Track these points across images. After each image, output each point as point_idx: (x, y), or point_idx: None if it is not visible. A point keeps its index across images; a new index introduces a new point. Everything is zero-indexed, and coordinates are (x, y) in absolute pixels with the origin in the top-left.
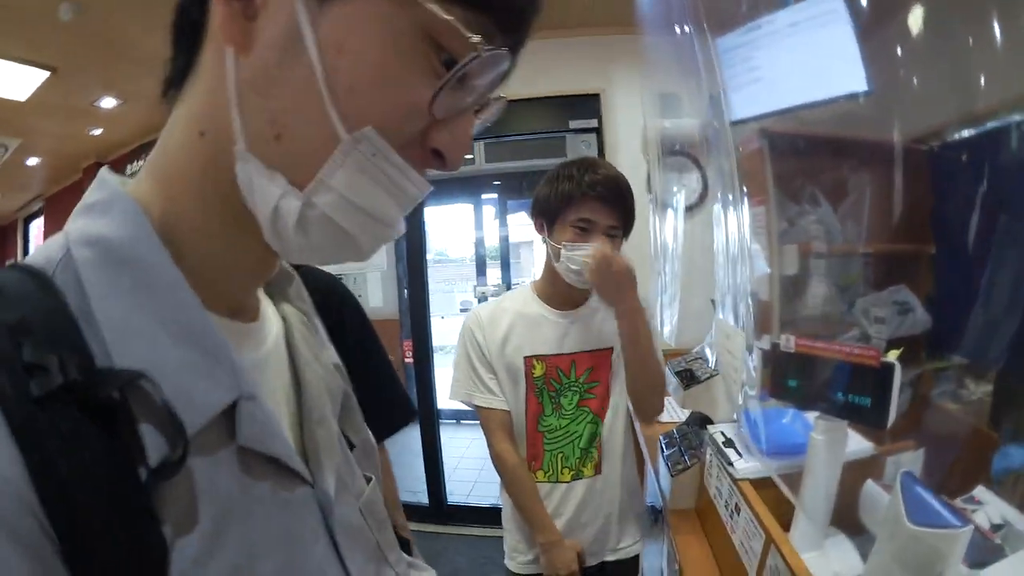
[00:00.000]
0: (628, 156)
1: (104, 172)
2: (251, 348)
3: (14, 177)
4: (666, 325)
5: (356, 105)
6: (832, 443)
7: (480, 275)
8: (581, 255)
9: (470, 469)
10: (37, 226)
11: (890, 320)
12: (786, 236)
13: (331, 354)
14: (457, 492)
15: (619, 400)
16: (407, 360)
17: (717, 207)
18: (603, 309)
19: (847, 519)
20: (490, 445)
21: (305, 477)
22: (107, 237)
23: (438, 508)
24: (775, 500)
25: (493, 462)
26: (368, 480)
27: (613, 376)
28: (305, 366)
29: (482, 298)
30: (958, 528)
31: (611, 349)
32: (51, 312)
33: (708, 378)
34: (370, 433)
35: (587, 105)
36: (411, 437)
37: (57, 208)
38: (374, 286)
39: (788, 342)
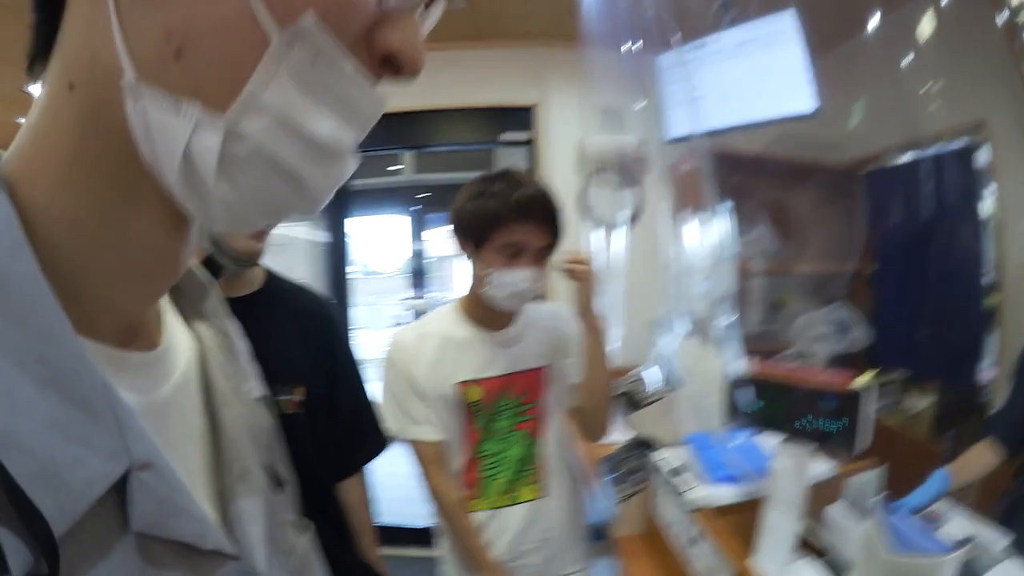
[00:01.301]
0: (562, 171)
1: None
2: (150, 387)
3: None
4: (611, 343)
5: None
6: (797, 469)
7: (411, 288)
8: (511, 282)
9: (401, 487)
10: None
11: (829, 338)
12: (724, 254)
13: (254, 386)
14: (388, 512)
15: (554, 411)
16: None
17: (656, 225)
18: (533, 327)
19: (808, 541)
20: (425, 479)
21: (227, 552)
22: None
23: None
24: (732, 526)
25: (428, 497)
26: (302, 526)
27: (547, 395)
28: (222, 405)
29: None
30: (943, 555)
31: (543, 368)
32: None
33: (649, 403)
34: (291, 473)
35: (521, 117)
36: None
37: None
38: None
39: (751, 365)
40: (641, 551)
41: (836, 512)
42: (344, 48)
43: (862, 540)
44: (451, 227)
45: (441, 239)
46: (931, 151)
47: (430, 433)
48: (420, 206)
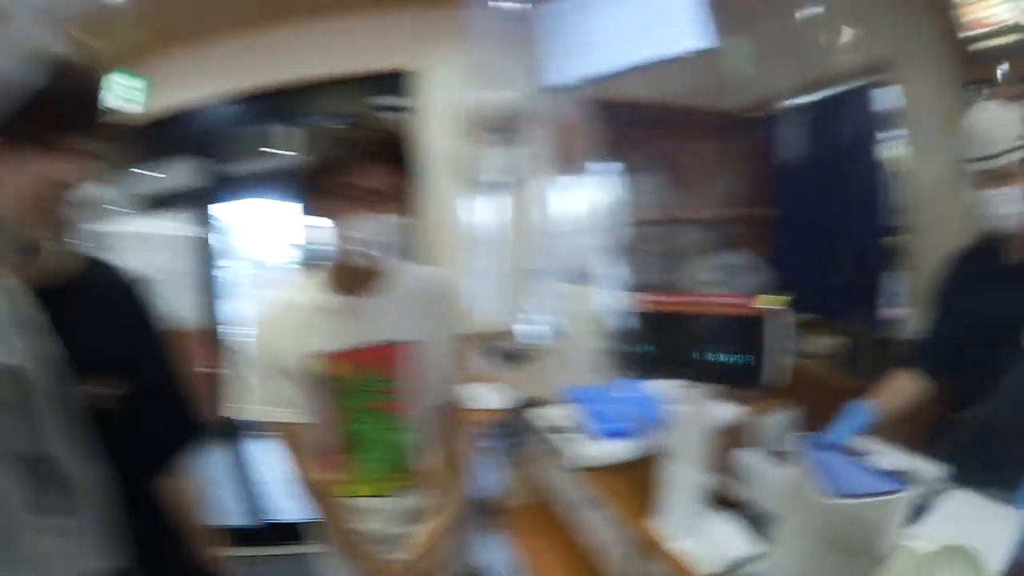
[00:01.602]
0: (443, 136)
1: None
2: None
3: None
4: (481, 306)
5: None
6: (697, 413)
7: (299, 276)
8: (357, 230)
9: (284, 483)
10: None
11: (721, 283)
12: (619, 205)
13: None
14: (280, 509)
15: (422, 397)
16: (216, 370)
17: (541, 181)
18: (402, 292)
19: (720, 494)
20: (293, 467)
21: None
22: None
23: (259, 529)
24: (627, 486)
25: (297, 484)
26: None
27: (413, 373)
28: None
29: None
30: (893, 492)
31: (410, 342)
32: None
33: (527, 357)
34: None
35: (397, 83)
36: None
37: None
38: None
39: (638, 301)
40: (532, 524)
41: (749, 459)
42: None
43: (788, 487)
44: (298, 187)
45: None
46: (832, 91)
47: (291, 414)
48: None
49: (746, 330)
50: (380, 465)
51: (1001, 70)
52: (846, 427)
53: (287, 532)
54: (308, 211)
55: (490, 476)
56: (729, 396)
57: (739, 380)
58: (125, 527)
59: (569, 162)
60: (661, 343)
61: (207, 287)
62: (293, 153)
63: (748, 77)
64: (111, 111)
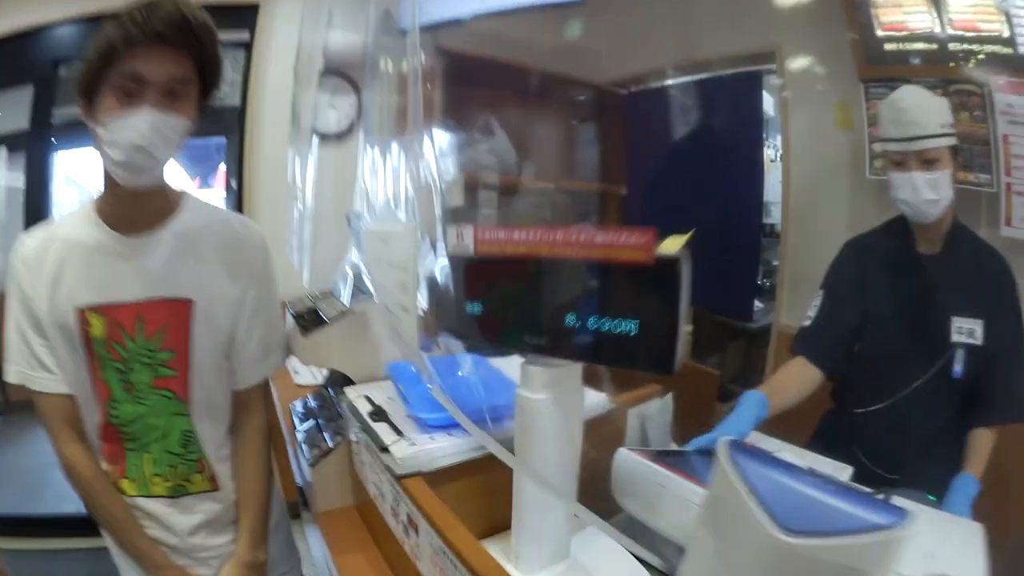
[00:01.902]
0: (282, 77)
1: None
2: None
3: None
4: (304, 268)
5: None
6: (564, 402)
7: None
8: (126, 132)
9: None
10: None
11: None
12: (453, 165)
13: None
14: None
15: (209, 374)
16: None
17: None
18: (192, 234)
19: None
20: (54, 447)
21: None
22: None
23: (28, 520)
24: (465, 499)
25: (62, 471)
26: None
27: (195, 342)
28: None
29: None
30: (889, 526)
31: (191, 302)
32: None
33: (339, 320)
34: None
35: (242, 16)
36: None
37: None
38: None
39: (464, 238)
40: (352, 533)
41: (633, 463)
42: None
43: (716, 511)
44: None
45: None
46: (711, 75)
47: (52, 383)
48: None
49: (638, 284)
50: (159, 458)
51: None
52: (743, 420)
53: (69, 523)
54: (83, 112)
55: (305, 472)
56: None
57: (624, 358)
58: None
59: (414, 116)
60: (497, 298)
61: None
62: None
63: (621, 50)
64: None
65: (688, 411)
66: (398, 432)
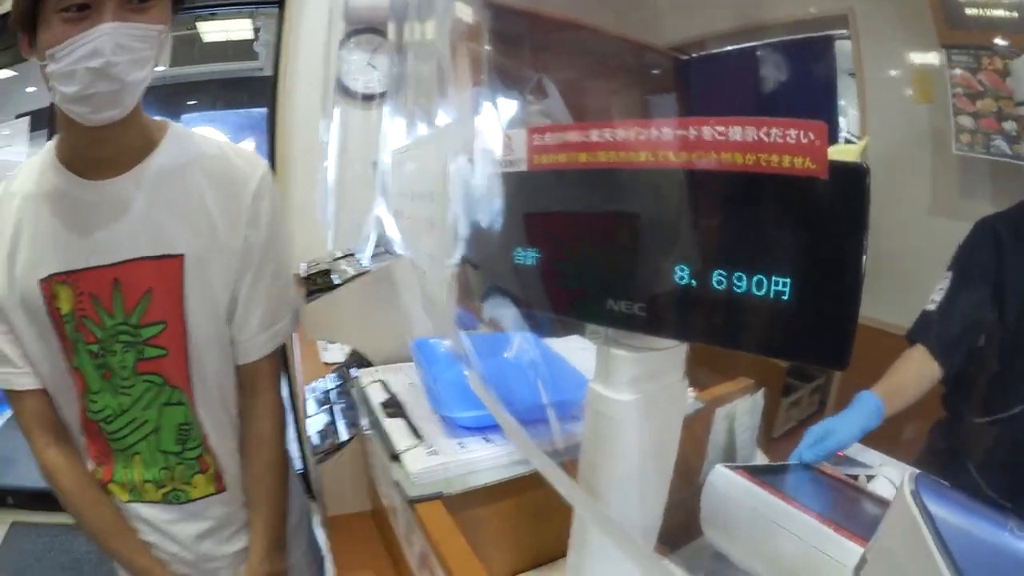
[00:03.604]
0: (316, 39)
1: None
2: None
3: None
4: (330, 230)
5: None
6: (659, 406)
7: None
8: (79, 56)
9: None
10: None
11: None
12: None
13: None
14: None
15: (207, 349)
16: None
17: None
18: (170, 177)
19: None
20: (32, 451)
21: None
22: None
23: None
24: (502, 526)
25: (40, 473)
26: None
27: (190, 308)
28: None
29: None
30: None
31: (181, 257)
32: None
33: (351, 280)
34: None
35: None
36: None
37: None
38: None
39: (514, 146)
40: (363, 545)
41: (723, 481)
42: None
43: (878, 562)
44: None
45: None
46: (775, 40)
47: (22, 377)
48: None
49: (799, 213)
50: (151, 459)
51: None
52: (852, 428)
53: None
54: (24, 50)
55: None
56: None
57: (767, 338)
58: None
59: (459, 75)
60: (582, 246)
61: None
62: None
63: (679, 10)
64: None
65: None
66: (416, 434)
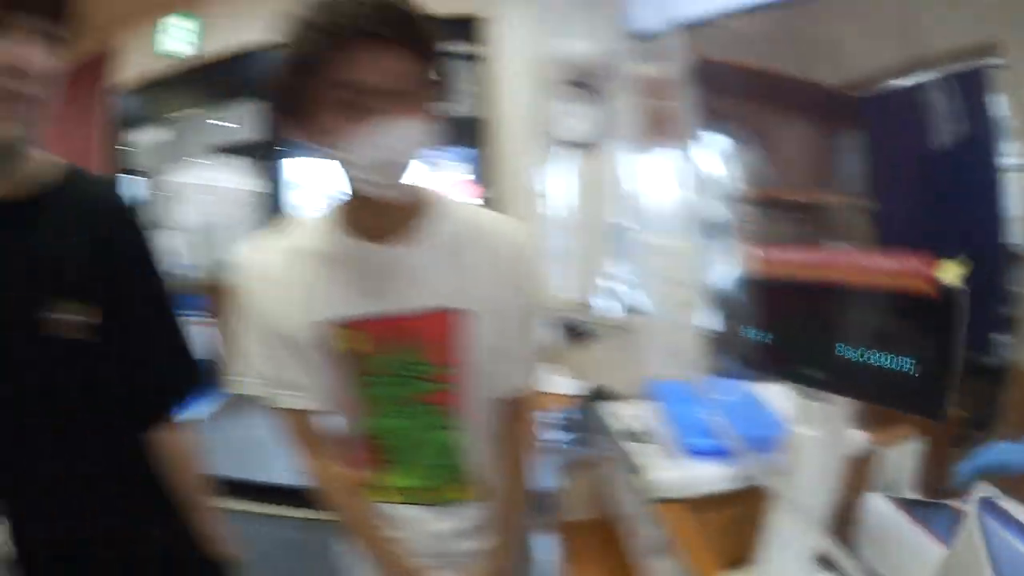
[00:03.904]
0: (519, 89)
1: None
2: None
3: None
4: (557, 277)
5: None
6: (830, 440)
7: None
8: (366, 148)
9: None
10: None
11: None
12: (709, 180)
13: None
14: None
15: (476, 384)
16: None
17: (620, 146)
18: (448, 238)
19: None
20: (299, 459)
21: None
22: None
23: (249, 485)
24: (715, 528)
25: (309, 482)
26: None
27: (466, 352)
28: None
29: None
30: None
31: (462, 310)
32: None
33: (602, 334)
34: None
35: (468, 29)
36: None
37: None
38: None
39: (750, 260)
40: (590, 545)
41: (881, 510)
42: None
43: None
44: (269, 114)
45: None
46: (940, 72)
47: (297, 399)
48: None
49: (919, 317)
50: (421, 470)
51: None
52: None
53: (285, 493)
54: (288, 135)
55: (548, 478)
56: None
57: (890, 394)
58: (101, 482)
59: (658, 126)
60: (781, 327)
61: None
62: None
63: (850, 50)
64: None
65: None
66: (658, 454)
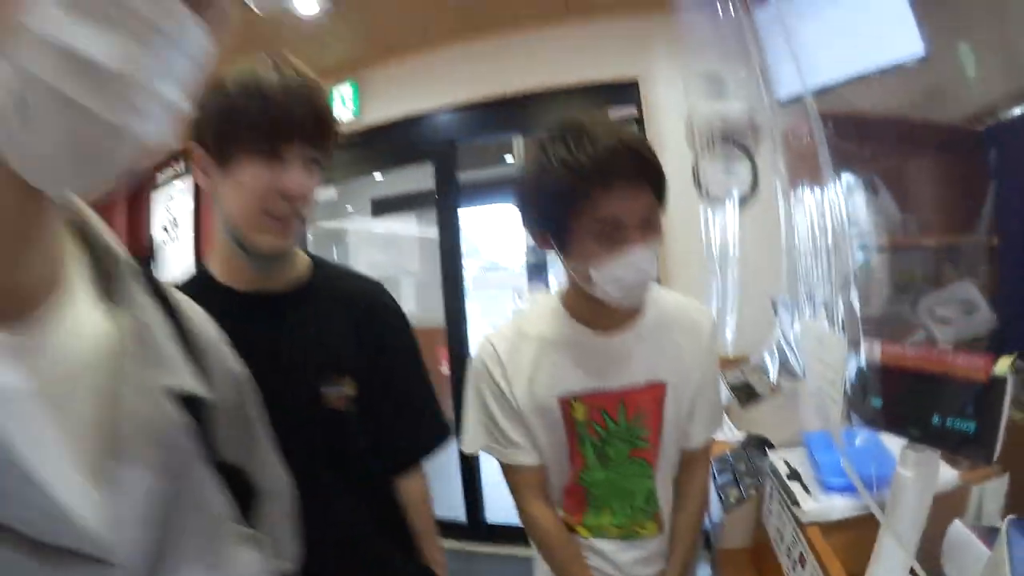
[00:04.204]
0: (674, 147)
1: None
2: (18, 365)
3: None
4: (725, 332)
5: None
6: (921, 479)
7: (531, 280)
8: (620, 272)
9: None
10: None
11: (956, 320)
12: (844, 229)
13: (174, 378)
14: (495, 509)
15: (671, 441)
16: (443, 370)
17: (776, 197)
18: (657, 327)
19: (925, 565)
20: (518, 506)
21: (85, 552)
22: None
23: (476, 526)
24: (848, 546)
25: (522, 523)
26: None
27: (666, 417)
28: (123, 394)
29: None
30: None
31: (666, 384)
32: None
33: (768, 395)
34: (286, 478)
35: (626, 93)
36: (449, 451)
37: None
38: (408, 291)
39: (873, 351)
40: (745, 569)
41: (959, 534)
42: None
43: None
44: (522, 216)
45: None
46: None
47: (524, 456)
48: None
49: (978, 397)
50: (622, 512)
51: None
52: None
53: (501, 532)
54: (542, 245)
55: (714, 511)
56: (953, 460)
57: (968, 450)
58: (356, 527)
59: (800, 180)
60: (893, 398)
61: (449, 289)
62: (519, 162)
63: (965, 86)
64: (337, 121)
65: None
66: (806, 490)
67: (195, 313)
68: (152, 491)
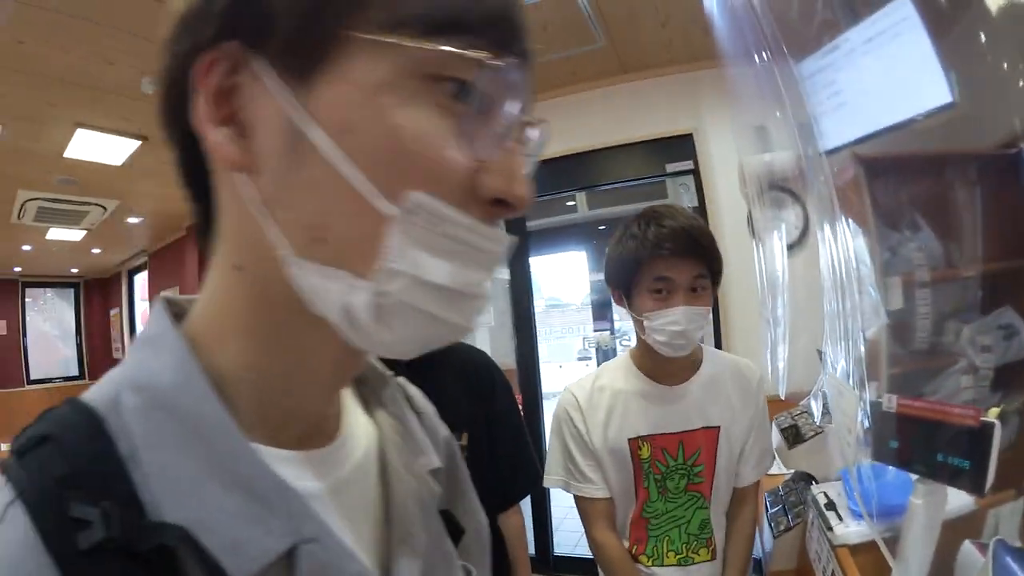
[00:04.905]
0: (727, 196)
1: (160, 302)
2: (324, 474)
3: (116, 234)
4: (775, 374)
5: (390, 180)
6: (930, 507)
7: (595, 320)
8: (666, 323)
9: (577, 519)
10: (141, 279)
11: (996, 346)
12: (889, 267)
13: (428, 460)
14: (564, 543)
15: (724, 478)
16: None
17: (819, 242)
18: (711, 382)
19: None
20: (588, 533)
21: None
22: (154, 383)
23: (545, 559)
24: (873, 567)
25: (591, 549)
26: (468, 573)
27: (719, 456)
28: (396, 481)
29: (598, 348)
30: None
31: (718, 428)
32: (101, 460)
33: (813, 436)
34: (484, 516)
35: (682, 146)
36: None
37: (160, 263)
38: (481, 336)
39: (890, 402)
40: None
41: (969, 554)
42: (455, 202)
43: None
44: (605, 276)
45: None
46: None
47: (597, 491)
48: (595, 241)
49: (972, 439)
50: (681, 540)
51: None
52: None
53: (569, 565)
54: (618, 302)
55: (765, 541)
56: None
57: (956, 480)
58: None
59: (848, 223)
60: (903, 439)
61: (521, 328)
62: (587, 212)
63: (989, 112)
64: None
65: None
66: (839, 518)
67: (415, 392)
68: (420, 552)
